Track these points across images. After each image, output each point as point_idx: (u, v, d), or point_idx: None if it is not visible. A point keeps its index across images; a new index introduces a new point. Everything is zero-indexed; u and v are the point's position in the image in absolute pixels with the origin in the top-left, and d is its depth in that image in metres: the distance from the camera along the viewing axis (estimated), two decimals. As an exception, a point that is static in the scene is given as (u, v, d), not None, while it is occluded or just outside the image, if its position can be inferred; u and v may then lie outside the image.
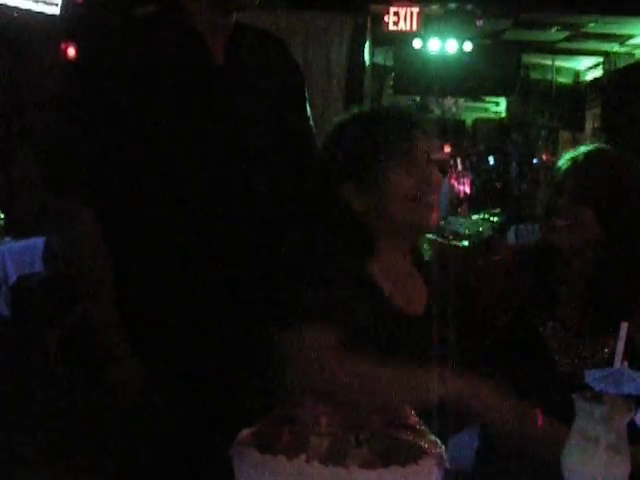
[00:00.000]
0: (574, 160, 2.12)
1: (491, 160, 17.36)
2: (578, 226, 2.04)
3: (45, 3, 7.79)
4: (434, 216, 1.86)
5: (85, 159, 2.04)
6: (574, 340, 2.07)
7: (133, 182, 2.04)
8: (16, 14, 7.64)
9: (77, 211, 2.09)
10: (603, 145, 2.17)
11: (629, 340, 1.57)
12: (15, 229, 7.23)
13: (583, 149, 2.15)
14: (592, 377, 1.52)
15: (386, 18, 8.84)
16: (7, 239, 7.07)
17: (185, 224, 2.03)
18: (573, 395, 1.51)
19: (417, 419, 1.48)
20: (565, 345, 2.06)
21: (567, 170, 2.09)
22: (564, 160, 2.14)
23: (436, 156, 1.96)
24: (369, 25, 8.69)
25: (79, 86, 2.11)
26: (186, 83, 2.04)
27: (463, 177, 16.11)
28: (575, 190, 2.05)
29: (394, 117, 1.90)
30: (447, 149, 17.29)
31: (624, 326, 1.57)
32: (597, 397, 1.50)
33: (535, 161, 15.47)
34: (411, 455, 1.34)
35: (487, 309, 2.12)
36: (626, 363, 1.54)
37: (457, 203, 13.36)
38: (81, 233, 2.09)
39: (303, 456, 1.30)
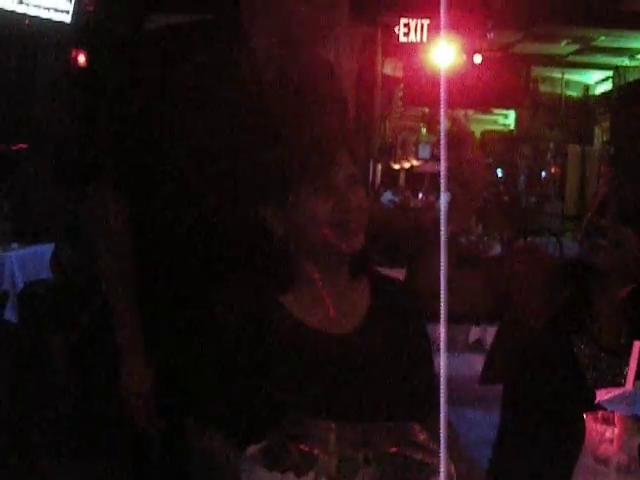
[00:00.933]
0: (618, 180, 2.11)
1: (499, 172, 17.37)
2: (620, 247, 2.03)
3: (56, 11, 7.82)
4: (354, 242, 1.75)
5: (119, 150, 2.06)
6: (605, 357, 2.05)
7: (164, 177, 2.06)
8: (27, 22, 7.67)
9: (107, 201, 2.10)
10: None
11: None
12: (23, 236, 7.25)
13: (626, 169, 2.14)
14: (604, 397, 1.51)
15: (396, 29, 8.85)
16: (15, 245, 7.08)
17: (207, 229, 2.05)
18: (584, 415, 1.50)
19: (426, 437, 1.46)
20: (595, 361, 2.05)
21: (611, 190, 2.08)
22: (607, 179, 2.12)
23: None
24: (379, 36, 8.70)
25: (121, 87, 2.12)
26: (233, 93, 2.04)
27: (471, 189, 16.09)
28: (619, 211, 2.04)
29: (312, 137, 1.79)
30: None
31: (637, 345, 1.56)
32: (608, 418, 1.49)
33: (543, 174, 15.48)
34: (421, 474, 1.33)
35: (520, 315, 2.10)
36: (638, 383, 1.53)
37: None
38: (110, 223, 2.11)
39: (312, 474, 1.29)
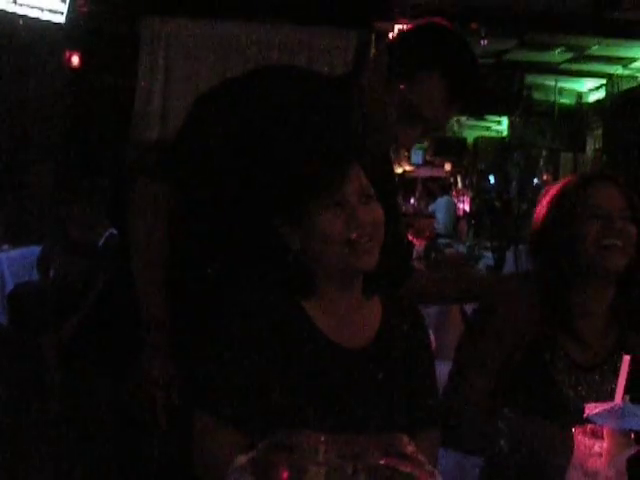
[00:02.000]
0: (613, 183, 2.11)
1: (491, 179, 17.39)
2: (630, 247, 2.06)
3: (50, 12, 7.80)
4: (368, 259, 1.75)
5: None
6: (583, 374, 2.05)
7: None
8: (21, 22, 7.65)
9: (154, 195, 2.14)
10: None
11: (632, 374, 1.56)
12: (14, 237, 7.24)
13: (597, 172, 2.17)
14: (593, 411, 1.51)
15: (390, 35, 8.84)
16: (5, 247, 7.08)
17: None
18: (573, 429, 1.50)
19: (415, 449, 1.47)
20: (575, 379, 2.05)
21: (611, 194, 2.08)
22: (597, 185, 2.12)
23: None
24: (373, 41, 8.69)
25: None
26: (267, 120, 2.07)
27: (463, 195, 16.14)
28: (625, 211, 2.05)
29: (321, 152, 1.79)
30: (447, 167, 17.34)
31: (626, 360, 1.57)
32: (597, 431, 1.50)
33: (536, 181, 15.50)
34: (409, 487, 1.33)
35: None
36: (627, 397, 1.54)
37: (454, 221, 13.37)
38: (151, 214, 2.14)
39: (300, 485, 1.29)
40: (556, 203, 2.17)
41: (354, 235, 1.74)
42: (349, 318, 1.83)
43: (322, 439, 1.36)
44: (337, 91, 2.22)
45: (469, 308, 5.18)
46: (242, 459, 1.39)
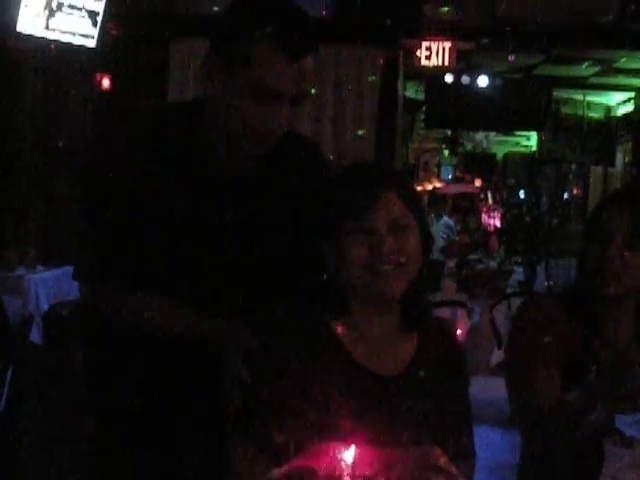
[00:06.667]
0: (619, 207, 2.08)
1: (522, 194, 17.34)
2: (631, 271, 2.03)
3: (82, 36, 7.90)
4: (389, 286, 1.77)
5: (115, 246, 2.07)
6: (616, 390, 2.05)
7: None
8: (53, 46, 7.76)
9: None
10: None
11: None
12: (49, 258, 7.32)
13: (617, 194, 2.13)
14: (622, 422, 1.53)
15: (418, 53, 8.87)
16: (40, 268, 7.15)
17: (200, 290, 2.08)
18: (603, 439, 1.51)
19: (447, 460, 1.48)
20: (609, 396, 2.04)
21: (615, 219, 2.06)
22: (603, 209, 2.11)
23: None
24: (401, 59, 8.73)
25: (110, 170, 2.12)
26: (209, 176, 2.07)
27: (494, 211, 16.10)
28: (627, 237, 2.03)
29: (353, 180, 1.83)
30: (478, 183, 17.31)
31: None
32: (627, 442, 1.51)
33: (566, 196, 15.45)
34: (441, 497, 1.35)
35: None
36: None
37: (484, 237, 13.33)
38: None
39: (335, 497, 1.31)
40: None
41: (376, 261, 1.76)
42: (382, 345, 1.83)
43: (355, 451, 1.39)
44: None
45: (499, 322, 5.18)
46: (276, 472, 1.42)
